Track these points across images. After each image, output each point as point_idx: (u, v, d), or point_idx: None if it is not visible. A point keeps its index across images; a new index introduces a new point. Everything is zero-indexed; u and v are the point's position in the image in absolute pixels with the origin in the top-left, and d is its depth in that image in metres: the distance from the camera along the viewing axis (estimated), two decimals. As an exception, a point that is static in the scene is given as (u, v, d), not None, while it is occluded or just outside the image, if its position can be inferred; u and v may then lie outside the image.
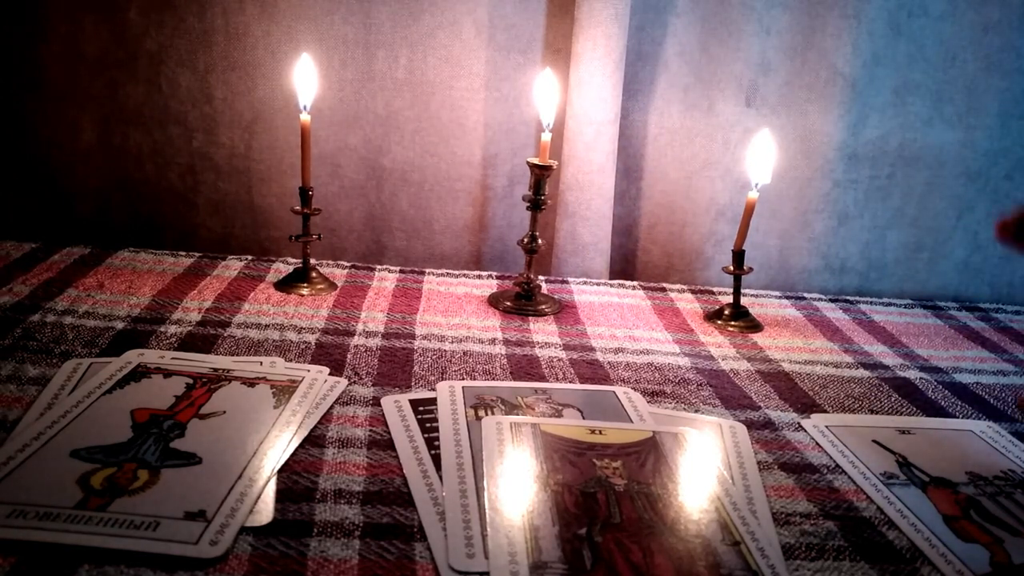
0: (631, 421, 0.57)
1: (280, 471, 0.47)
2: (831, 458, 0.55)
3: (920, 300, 0.95)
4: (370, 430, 0.53)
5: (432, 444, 0.51)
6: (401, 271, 0.86)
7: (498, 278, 0.87)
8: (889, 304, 0.93)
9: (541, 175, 0.74)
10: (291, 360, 0.62)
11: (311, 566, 0.39)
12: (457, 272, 0.87)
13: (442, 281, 0.84)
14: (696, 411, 0.60)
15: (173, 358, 0.59)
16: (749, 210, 0.77)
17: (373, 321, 0.71)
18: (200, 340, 0.64)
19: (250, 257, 0.85)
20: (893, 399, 0.66)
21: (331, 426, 0.53)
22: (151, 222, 0.91)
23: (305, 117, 0.73)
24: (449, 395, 0.58)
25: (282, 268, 0.82)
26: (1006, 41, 0.90)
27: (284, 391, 0.56)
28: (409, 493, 0.46)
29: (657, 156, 0.94)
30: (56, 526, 0.40)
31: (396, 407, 0.56)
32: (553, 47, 0.89)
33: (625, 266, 0.98)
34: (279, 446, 0.49)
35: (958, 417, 0.64)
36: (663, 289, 0.89)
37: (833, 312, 0.88)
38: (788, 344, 0.76)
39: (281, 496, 0.45)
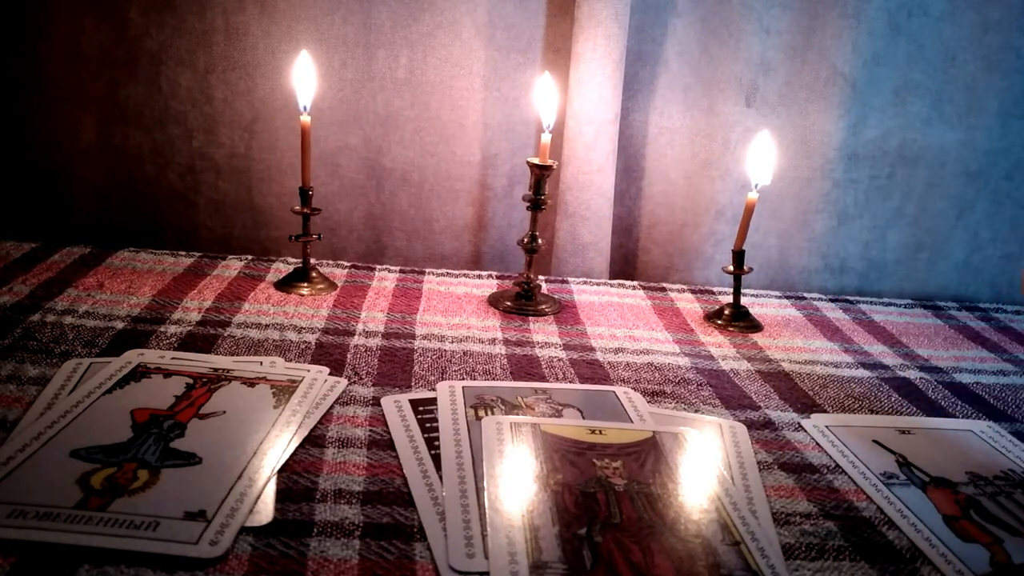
0: (631, 421, 0.57)
1: (280, 471, 0.47)
2: (831, 458, 0.55)
3: (920, 300, 0.95)
4: (370, 430, 0.53)
5: (432, 444, 0.51)
6: (401, 271, 0.86)
7: (498, 278, 0.87)
8: (889, 304, 0.93)
9: (541, 175, 0.74)
10: (291, 360, 0.62)
11: (311, 566, 0.39)
12: (457, 272, 0.87)
13: (442, 281, 0.84)
14: (696, 411, 0.60)
15: (173, 358, 0.59)
16: (749, 210, 0.77)
17: (373, 321, 0.71)
18: (200, 340, 0.64)
19: (250, 257, 0.85)
20: (893, 399, 0.66)
21: (331, 426, 0.53)
22: (151, 222, 0.91)
23: (305, 118, 0.73)
24: (449, 395, 0.58)
25: (282, 268, 0.82)
26: (1006, 41, 0.90)
27: (284, 391, 0.56)
28: (409, 493, 0.46)
29: (657, 156, 0.94)
30: (56, 526, 0.40)
31: (396, 407, 0.56)
32: (553, 47, 0.89)
33: (625, 266, 0.98)
34: (279, 446, 0.49)
35: (958, 417, 0.64)
36: (663, 289, 0.89)
37: (833, 312, 0.88)
38: (788, 344, 0.76)
39: (281, 496, 0.45)
